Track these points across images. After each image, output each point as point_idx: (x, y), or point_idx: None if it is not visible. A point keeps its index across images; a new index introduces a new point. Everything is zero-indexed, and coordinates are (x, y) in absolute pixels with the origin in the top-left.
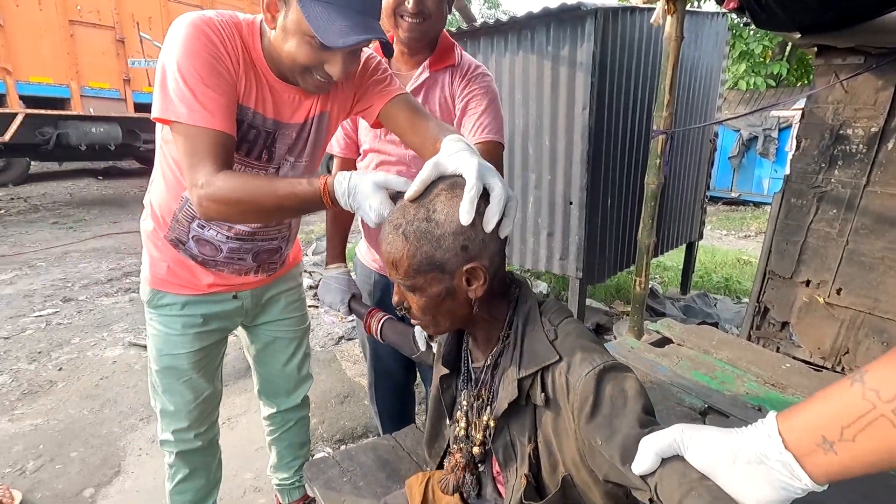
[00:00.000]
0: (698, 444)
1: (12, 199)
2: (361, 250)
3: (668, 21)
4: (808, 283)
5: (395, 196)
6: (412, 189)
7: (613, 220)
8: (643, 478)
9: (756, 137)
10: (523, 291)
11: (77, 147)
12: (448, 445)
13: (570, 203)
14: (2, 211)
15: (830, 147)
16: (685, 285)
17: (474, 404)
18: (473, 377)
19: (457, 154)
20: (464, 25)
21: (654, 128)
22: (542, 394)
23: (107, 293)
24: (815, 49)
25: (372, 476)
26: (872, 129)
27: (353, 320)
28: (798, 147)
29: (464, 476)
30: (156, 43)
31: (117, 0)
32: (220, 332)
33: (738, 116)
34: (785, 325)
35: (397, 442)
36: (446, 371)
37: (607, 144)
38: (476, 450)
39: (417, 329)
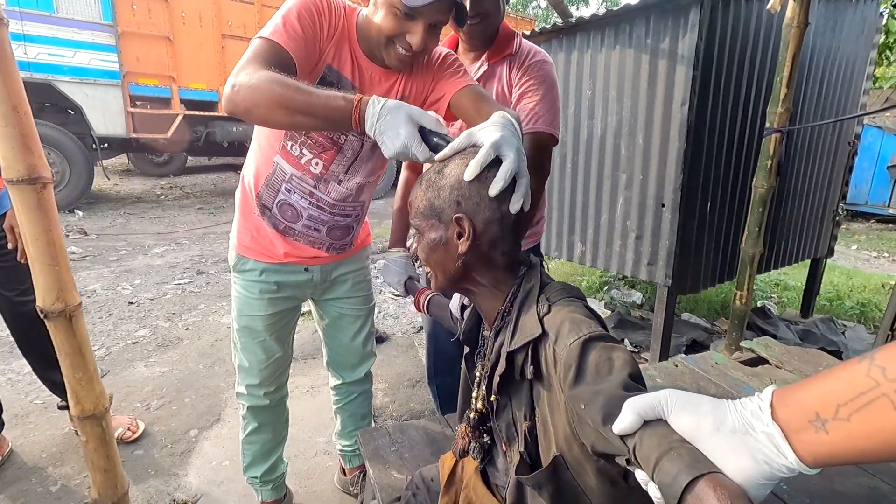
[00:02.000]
0: (683, 407)
1: (171, 187)
2: None
3: (788, 6)
4: None
5: (427, 139)
6: (442, 152)
7: (714, 226)
8: (623, 439)
9: None
10: (530, 271)
11: (221, 143)
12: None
13: (663, 205)
14: (162, 196)
15: None
16: (806, 307)
17: (480, 370)
18: (484, 349)
19: (489, 126)
20: (559, 21)
21: (768, 125)
22: (532, 366)
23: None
24: None
25: (418, 450)
26: None
27: None
28: None
29: (469, 442)
30: None
31: (260, 16)
32: (292, 301)
33: (877, 111)
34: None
35: (447, 422)
36: (468, 349)
37: (709, 143)
38: (472, 415)
39: (453, 302)
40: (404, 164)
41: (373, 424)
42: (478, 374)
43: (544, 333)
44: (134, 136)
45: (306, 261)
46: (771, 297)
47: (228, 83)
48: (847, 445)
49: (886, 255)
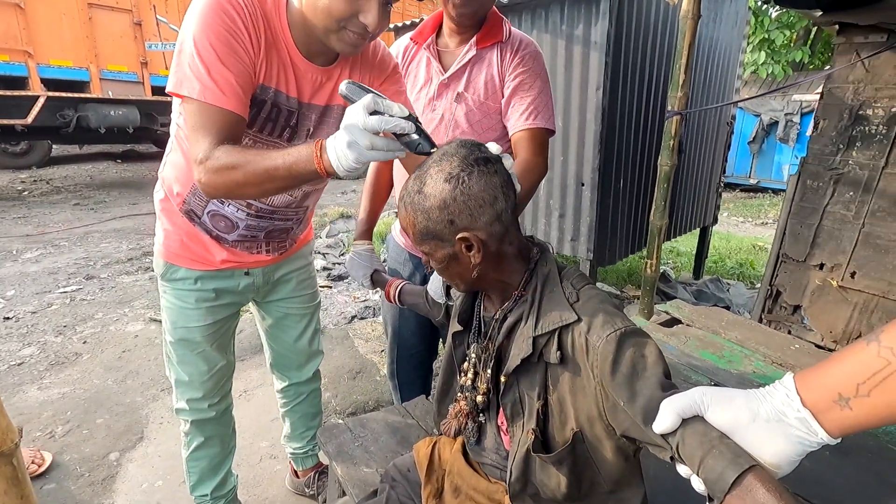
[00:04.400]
0: (719, 404)
1: (35, 181)
2: (396, 228)
3: None
4: (821, 266)
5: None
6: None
7: (626, 202)
8: (665, 437)
9: (776, 122)
10: (544, 256)
11: (97, 130)
12: (449, 388)
13: (582, 185)
14: (25, 192)
15: (849, 128)
16: (698, 270)
17: (482, 356)
18: (483, 330)
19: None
20: None
21: (669, 108)
22: (558, 352)
23: (127, 271)
24: (836, 27)
25: (383, 442)
26: (893, 109)
27: (364, 300)
28: (816, 128)
29: (466, 422)
30: (172, 26)
31: None
32: (233, 307)
33: (756, 96)
34: (797, 308)
35: (407, 411)
36: (460, 328)
37: (620, 125)
38: (480, 398)
39: (430, 286)
40: None
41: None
42: (473, 354)
43: (578, 320)
44: None
45: (246, 265)
46: (668, 262)
47: (194, 170)
48: (871, 416)
49: (751, 219)
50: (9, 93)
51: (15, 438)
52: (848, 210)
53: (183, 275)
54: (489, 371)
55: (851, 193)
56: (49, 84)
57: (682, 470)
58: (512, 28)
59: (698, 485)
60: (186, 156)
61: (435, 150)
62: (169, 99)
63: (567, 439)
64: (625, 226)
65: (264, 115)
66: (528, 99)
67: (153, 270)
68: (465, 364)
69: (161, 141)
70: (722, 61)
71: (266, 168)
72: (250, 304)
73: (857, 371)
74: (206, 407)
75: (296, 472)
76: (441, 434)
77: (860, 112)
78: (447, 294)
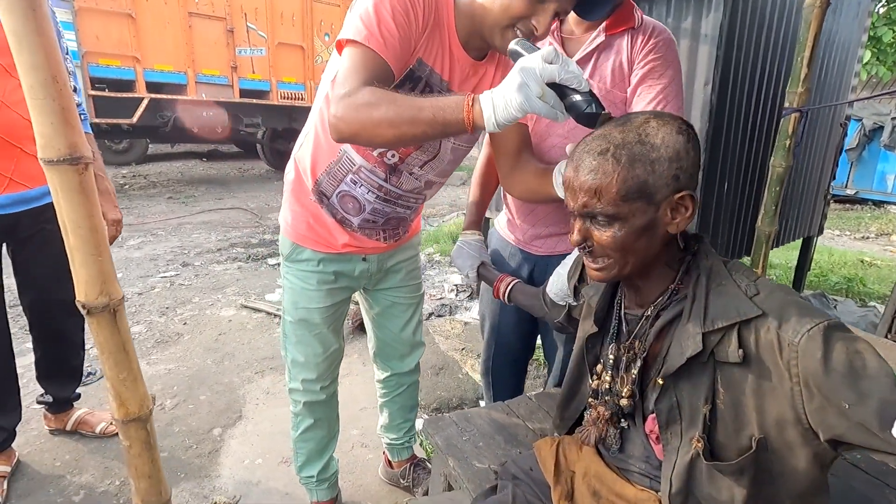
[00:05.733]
0: None
1: (135, 176)
2: (501, 222)
3: None
4: None
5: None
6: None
7: (729, 205)
8: None
9: (881, 128)
10: (704, 247)
11: (190, 130)
12: (585, 405)
13: None
14: (126, 186)
15: None
16: (798, 284)
17: (624, 357)
18: (626, 329)
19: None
20: None
21: (787, 105)
22: (740, 350)
23: (218, 261)
24: None
25: (490, 438)
26: None
27: (441, 298)
28: None
29: (607, 429)
30: (260, 33)
31: None
32: (348, 291)
33: (876, 96)
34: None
35: (511, 409)
36: (595, 330)
37: (729, 123)
38: (624, 402)
39: (551, 286)
40: (485, 143)
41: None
42: (611, 356)
43: (763, 315)
44: (96, 121)
45: (365, 250)
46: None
47: (332, 104)
48: None
49: (849, 232)
50: (119, 94)
51: (150, 405)
52: None
53: (308, 256)
54: (634, 373)
55: None
56: (151, 87)
57: None
58: (644, 15)
59: None
60: (325, 134)
61: (605, 112)
62: (254, 101)
63: (744, 447)
64: (727, 230)
65: (417, 93)
66: (658, 87)
67: (244, 262)
68: (599, 367)
69: (243, 141)
70: (839, 56)
71: (410, 108)
72: (359, 291)
73: None
74: (318, 389)
75: (390, 462)
76: (561, 435)
77: None
78: (575, 294)
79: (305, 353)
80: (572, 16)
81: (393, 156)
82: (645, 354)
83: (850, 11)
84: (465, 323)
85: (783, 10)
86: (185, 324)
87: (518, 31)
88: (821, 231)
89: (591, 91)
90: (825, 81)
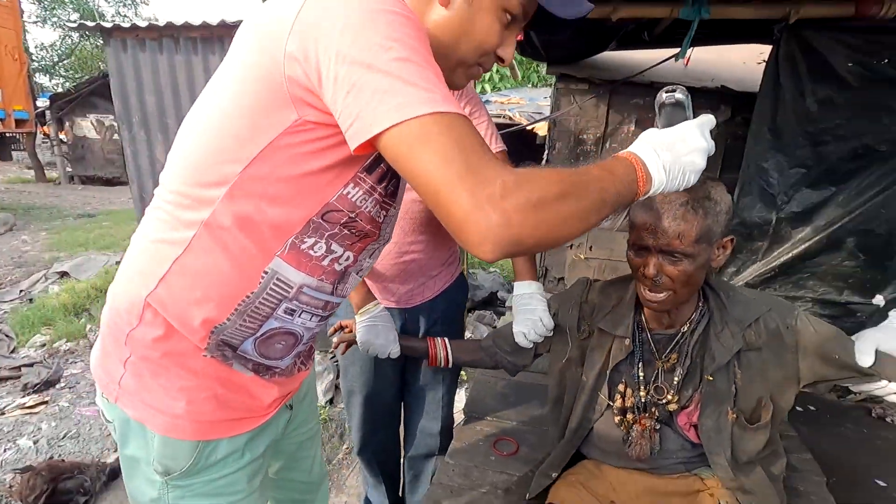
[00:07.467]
0: (886, 336)
1: None
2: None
3: None
4: (571, 246)
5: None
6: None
7: None
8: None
9: None
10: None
11: None
12: (591, 427)
13: None
14: None
15: (575, 147)
16: None
17: (661, 367)
18: (654, 347)
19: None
20: None
21: None
22: (762, 337)
23: None
24: (556, 76)
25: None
26: (597, 135)
27: None
28: (554, 147)
29: (655, 436)
30: None
31: None
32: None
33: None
34: (561, 279)
35: (454, 478)
36: (624, 355)
37: None
38: (673, 406)
39: (528, 330)
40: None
41: None
42: (641, 373)
43: (769, 310)
44: None
45: (292, 392)
46: None
47: (486, 212)
48: None
49: None
50: None
51: None
52: None
53: (226, 450)
54: (676, 380)
55: None
56: None
57: (879, 386)
58: None
59: (892, 390)
60: (236, 257)
61: None
62: None
63: (755, 407)
64: None
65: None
66: (483, 127)
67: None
68: (621, 386)
69: None
70: None
71: (601, 191)
72: None
73: None
74: None
75: None
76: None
77: (580, 137)
78: (554, 329)
79: None
80: None
81: (346, 257)
82: (689, 363)
83: None
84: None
85: None
86: None
87: (480, 68)
88: None
89: None
90: None
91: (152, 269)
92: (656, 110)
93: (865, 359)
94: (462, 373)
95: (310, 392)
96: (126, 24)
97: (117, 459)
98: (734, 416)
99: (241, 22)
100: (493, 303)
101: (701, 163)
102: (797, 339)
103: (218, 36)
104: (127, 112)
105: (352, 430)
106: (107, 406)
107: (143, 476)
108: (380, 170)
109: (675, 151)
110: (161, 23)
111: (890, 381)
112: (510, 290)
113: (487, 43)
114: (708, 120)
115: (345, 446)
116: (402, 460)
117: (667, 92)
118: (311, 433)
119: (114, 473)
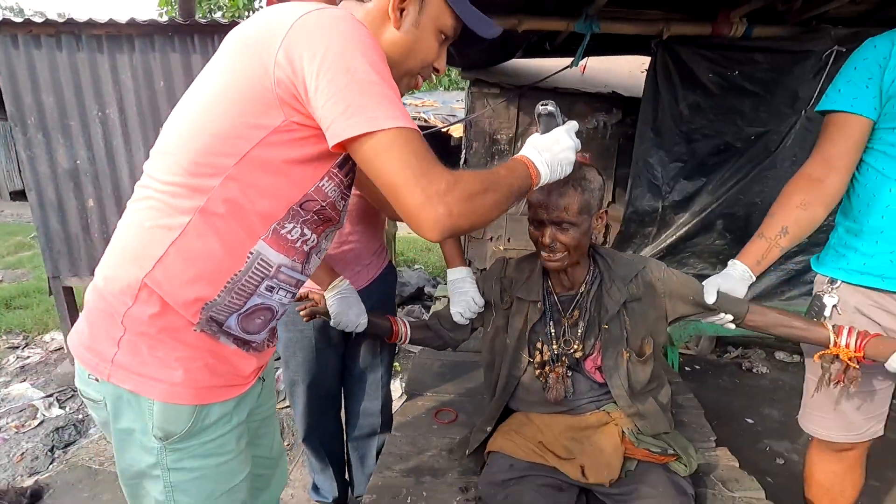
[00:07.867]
0: (726, 281)
1: None
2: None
3: None
4: (492, 238)
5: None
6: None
7: None
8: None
9: None
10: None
11: None
12: (517, 382)
13: None
14: None
15: (490, 147)
16: None
17: (566, 323)
18: (559, 308)
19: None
20: None
21: None
22: (641, 288)
23: None
24: (470, 81)
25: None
26: (510, 135)
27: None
28: (471, 147)
29: (568, 381)
30: None
31: None
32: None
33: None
34: (483, 269)
35: (404, 443)
36: (537, 317)
37: None
38: (579, 354)
39: (464, 310)
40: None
41: None
42: (552, 329)
43: (644, 266)
44: None
45: (265, 365)
46: None
47: (434, 207)
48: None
49: None
50: None
51: None
52: None
53: (217, 414)
54: (579, 332)
55: None
56: None
57: (722, 317)
58: None
59: (728, 318)
60: (226, 239)
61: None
62: None
63: (642, 345)
64: None
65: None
66: None
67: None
68: (538, 343)
69: None
70: None
71: (501, 185)
72: None
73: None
74: None
75: None
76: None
77: (494, 137)
78: (486, 304)
79: None
80: None
81: (312, 239)
82: (588, 317)
83: None
84: None
85: None
86: None
87: (421, 78)
88: None
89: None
90: None
91: (149, 253)
92: (536, 119)
93: (710, 298)
94: (395, 364)
95: (270, 371)
96: (18, 19)
97: (36, 482)
98: (627, 354)
99: (151, 21)
100: (421, 297)
101: (572, 157)
102: (665, 287)
103: (126, 35)
104: (21, 113)
105: (296, 420)
106: (94, 386)
107: (139, 445)
108: (347, 167)
109: (552, 151)
110: (60, 19)
111: (726, 314)
112: (435, 286)
113: (429, 58)
114: (573, 125)
115: (286, 442)
116: (345, 443)
117: (542, 105)
118: (271, 411)
119: (36, 495)
